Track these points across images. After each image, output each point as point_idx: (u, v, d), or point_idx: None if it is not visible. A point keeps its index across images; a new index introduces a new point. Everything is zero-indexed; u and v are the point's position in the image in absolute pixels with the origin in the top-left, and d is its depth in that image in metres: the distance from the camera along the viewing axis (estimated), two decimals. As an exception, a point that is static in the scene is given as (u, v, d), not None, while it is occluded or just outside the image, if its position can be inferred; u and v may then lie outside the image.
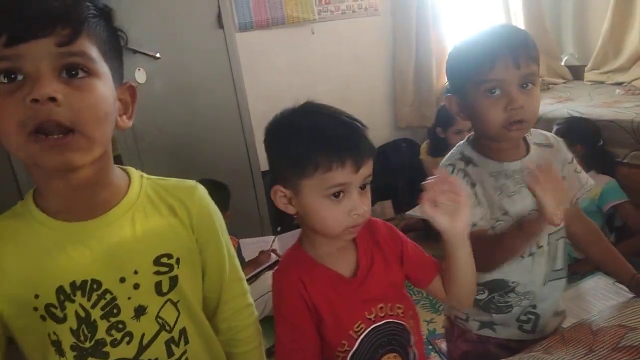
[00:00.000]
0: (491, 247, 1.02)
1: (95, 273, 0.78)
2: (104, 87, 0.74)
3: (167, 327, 0.84)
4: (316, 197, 0.83)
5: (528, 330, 1.17)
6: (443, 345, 1.97)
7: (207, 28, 2.99)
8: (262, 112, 2.57)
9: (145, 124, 2.82)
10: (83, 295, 0.78)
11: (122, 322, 0.80)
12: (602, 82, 3.25)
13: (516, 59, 0.98)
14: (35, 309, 0.77)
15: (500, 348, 1.17)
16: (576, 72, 3.57)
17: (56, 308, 0.77)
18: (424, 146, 3.06)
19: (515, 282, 1.12)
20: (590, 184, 1.18)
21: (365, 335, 0.89)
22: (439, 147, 2.78)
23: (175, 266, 0.84)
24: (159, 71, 2.88)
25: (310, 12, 3.27)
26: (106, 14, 0.77)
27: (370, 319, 0.90)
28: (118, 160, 1.95)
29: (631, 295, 1.17)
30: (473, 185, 1.06)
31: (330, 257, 0.91)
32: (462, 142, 1.15)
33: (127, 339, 0.81)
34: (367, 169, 0.84)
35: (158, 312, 0.83)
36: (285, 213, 0.89)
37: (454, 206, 0.86)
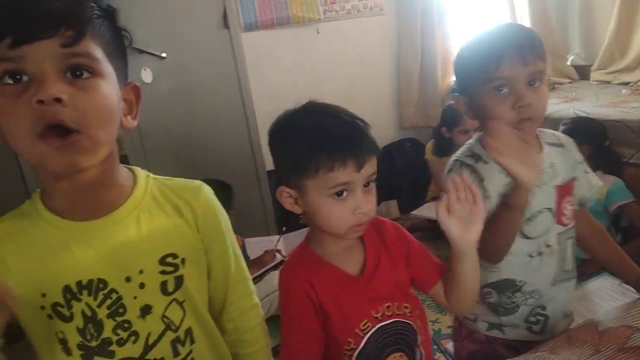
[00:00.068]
0: (485, 231, 1.01)
1: (101, 272, 0.78)
2: (109, 87, 0.74)
3: (173, 327, 0.84)
4: (320, 197, 0.83)
5: (537, 331, 1.16)
6: (449, 346, 1.96)
7: (213, 28, 2.99)
8: (267, 112, 2.57)
9: (152, 123, 2.82)
10: (89, 295, 0.78)
11: (128, 322, 0.80)
12: (608, 82, 3.23)
13: (523, 57, 0.98)
14: (42, 307, 0.77)
15: (508, 349, 1.16)
16: (582, 72, 3.55)
17: (63, 307, 0.77)
18: (429, 146, 3.06)
19: (522, 282, 1.12)
20: (599, 186, 1.17)
21: (371, 334, 0.89)
22: (444, 147, 2.79)
23: (181, 266, 0.84)
24: (165, 71, 2.88)
25: (316, 12, 3.27)
26: (110, 14, 0.77)
27: (376, 317, 0.90)
28: (125, 160, 1.95)
29: (638, 295, 1.16)
30: (481, 180, 1.06)
31: (338, 255, 0.91)
32: (471, 140, 1.15)
33: (133, 338, 0.81)
34: (370, 167, 0.84)
35: (164, 312, 0.83)
36: (290, 213, 0.89)
37: (468, 216, 0.85)
